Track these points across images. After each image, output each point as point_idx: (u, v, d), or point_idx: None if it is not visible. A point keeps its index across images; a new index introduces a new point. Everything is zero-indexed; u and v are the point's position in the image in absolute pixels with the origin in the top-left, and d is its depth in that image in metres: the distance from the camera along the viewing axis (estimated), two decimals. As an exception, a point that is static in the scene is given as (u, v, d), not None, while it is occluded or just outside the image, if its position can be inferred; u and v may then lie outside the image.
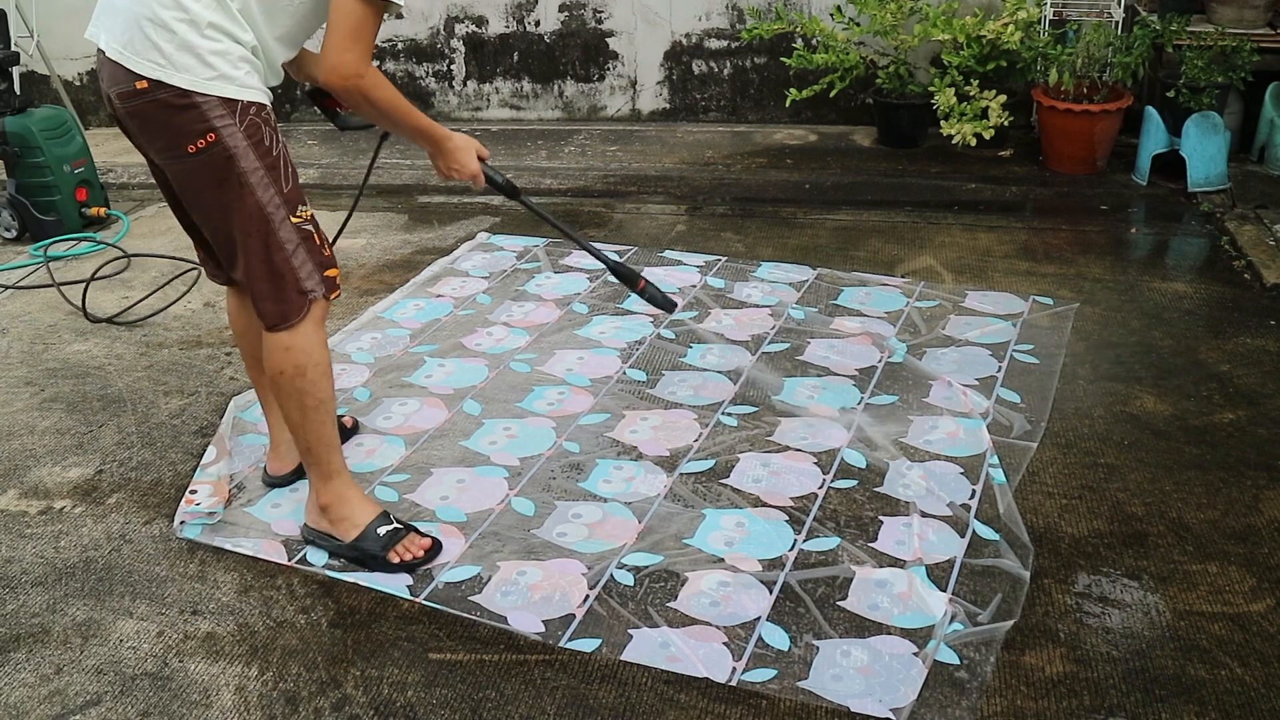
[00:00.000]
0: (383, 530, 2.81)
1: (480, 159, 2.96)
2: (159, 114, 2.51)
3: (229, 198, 2.56)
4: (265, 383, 2.99)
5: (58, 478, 3.24)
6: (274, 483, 3.15)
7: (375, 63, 6.32)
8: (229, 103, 2.50)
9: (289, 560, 2.81)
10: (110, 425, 3.50)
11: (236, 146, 2.52)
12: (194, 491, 3.08)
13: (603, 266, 3.20)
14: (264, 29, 2.58)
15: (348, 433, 3.34)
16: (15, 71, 5.46)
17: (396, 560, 2.77)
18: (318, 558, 2.81)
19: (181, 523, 2.96)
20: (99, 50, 2.56)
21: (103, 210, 5.30)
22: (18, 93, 5.24)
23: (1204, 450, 3.17)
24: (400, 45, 6.77)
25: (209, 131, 2.49)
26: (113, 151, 6.58)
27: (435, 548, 2.83)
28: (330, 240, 2.75)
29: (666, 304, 3.20)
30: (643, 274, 3.21)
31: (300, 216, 2.63)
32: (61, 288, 4.48)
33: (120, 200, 5.68)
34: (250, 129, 2.54)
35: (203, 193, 2.60)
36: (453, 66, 6.81)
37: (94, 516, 3.04)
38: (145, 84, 2.47)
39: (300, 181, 2.67)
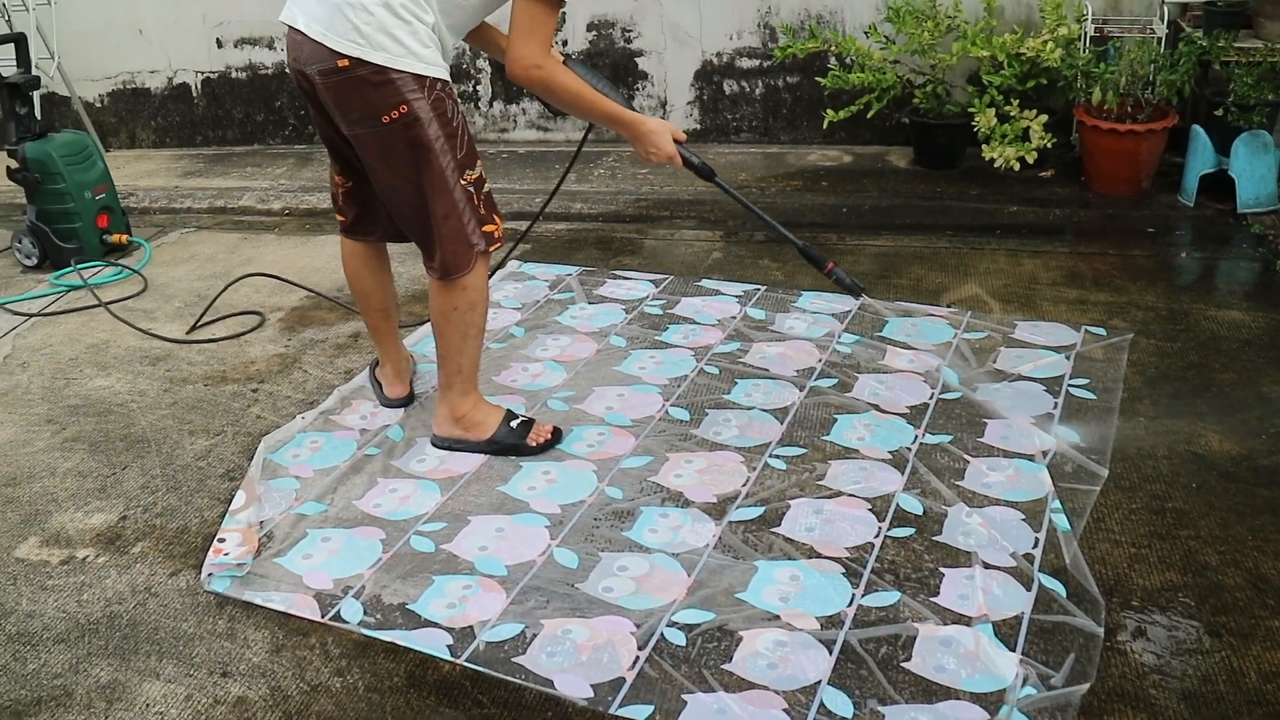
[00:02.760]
0: (514, 424, 3.33)
1: (676, 141, 3.26)
2: (358, 88, 2.87)
3: (417, 162, 2.95)
4: (388, 326, 3.59)
5: (80, 524, 3.12)
6: (393, 404, 3.62)
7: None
8: (419, 78, 2.88)
9: (322, 616, 2.68)
10: (134, 467, 3.39)
11: (424, 116, 2.90)
12: (222, 540, 2.96)
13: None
14: (439, 15, 2.93)
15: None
16: (35, 95, 5.37)
17: (533, 444, 3.31)
18: (352, 614, 2.68)
19: (209, 575, 2.84)
20: (292, 30, 2.92)
21: (124, 237, 5.20)
22: (38, 117, 5.15)
23: (1277, 493, 3.02)
24: (425, 65, 6.66)
25: (402, 104, 2.88)
26: (134, 175, 6.51)
27: (557, 434, 3.36)
28: (489, 197, 3.14)
29: (854, 289, 3.44)
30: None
31: (468, 178, 3.03)
32: (109, 308, 4.39)
33: (142, 226, 5.59)
34: (436, 102, 2.92)
35: (391, 158, 2.97)
36: (479, 87, 6.70)
37: (118, 567, 2.92)
38: (346, 61, 2.84)
39: (466, 147, 3.04)
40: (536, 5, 2.84)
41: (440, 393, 3.34)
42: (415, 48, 2.87)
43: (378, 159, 3.00)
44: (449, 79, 2.99)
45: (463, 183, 3.02)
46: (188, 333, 4.30)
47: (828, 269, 3.39)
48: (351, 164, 3.21)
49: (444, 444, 3.36)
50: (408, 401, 3.64)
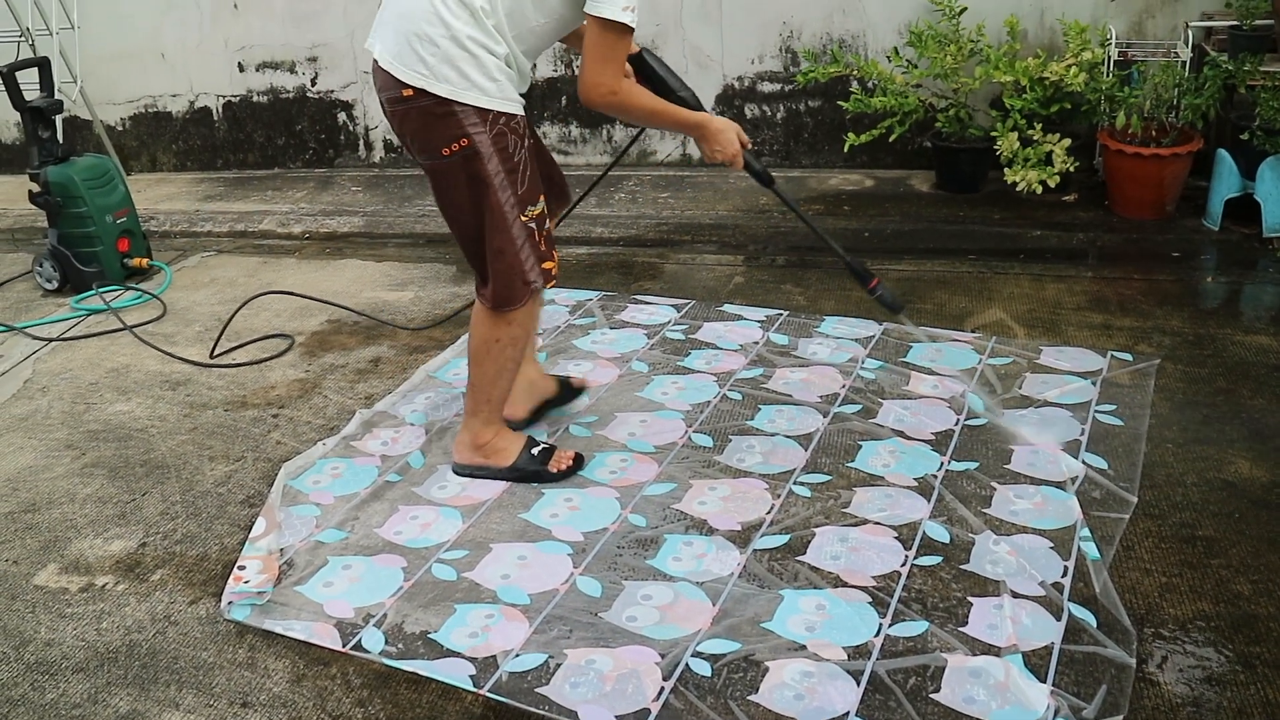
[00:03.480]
0: (535, 451, 3.31)
1: (741, 144, 3.21)
2: (421, 119, 2.91)
3: (476, 196, 2.96)
4: (532, 353, 3.58)
5: (99, 551, 3.10)
6: (518, 426, 3.51)
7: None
8: (482, 112, 2.88)
9: (343, 646, 2.65)
10: (154, 493, 3.37)
11: (484, 151, 2.91)
12: (242, 568, 2.93)
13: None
14: (513, 43, 2.92)
15: (576, 392, 3.74)
16: (58, 120, 5.39)
17: (555, 470, 3.28)
18: (374, 643, 2.65)
19: (229, 603, 2.81)
20: (374, 59, 2.95)
21: (145, 261, 5.20)
22: (60, 141, 5.15)
23: (1308, 521, 2.98)
24: (445, 89, 6.66)
25: (463, 136, 2.89)
26: (154, 199, 6.52)
27: (578, 460, 3.33)
28: (549, 234, 3.12)
29: (895, 307, 3.38)
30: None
31: (529, 215, 3.00)
32: (133, 331, 4.38)
33: (162, 249, 5.59)
34: (497, 136, 2.91)
35: (452, 191, 3.01)
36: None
37: (137, 595, 2.90)
38: (410, 91, 2.87)
39: (528, 184, 3.01)
40: (610, 31, 2.82)
41: (464, 419, 3.32)
42: (480, 80, 2.86)
43: (443, 192, 3.06)
44: (517, 112, 2.97)
45: (523, 219, 2.99)
46: (211, 355, 4.30)
47: (872, 284, 3.35)
48: None
49: (465, 471, 3.34)
50: (521, 425, 3.55)
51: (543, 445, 3.34)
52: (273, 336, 4.45)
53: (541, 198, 3.06)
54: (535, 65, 3.06)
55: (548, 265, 3.09)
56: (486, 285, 3.10)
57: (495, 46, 2.87)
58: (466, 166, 2.92)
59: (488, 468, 3.31)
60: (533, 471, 3.28)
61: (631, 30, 2.84)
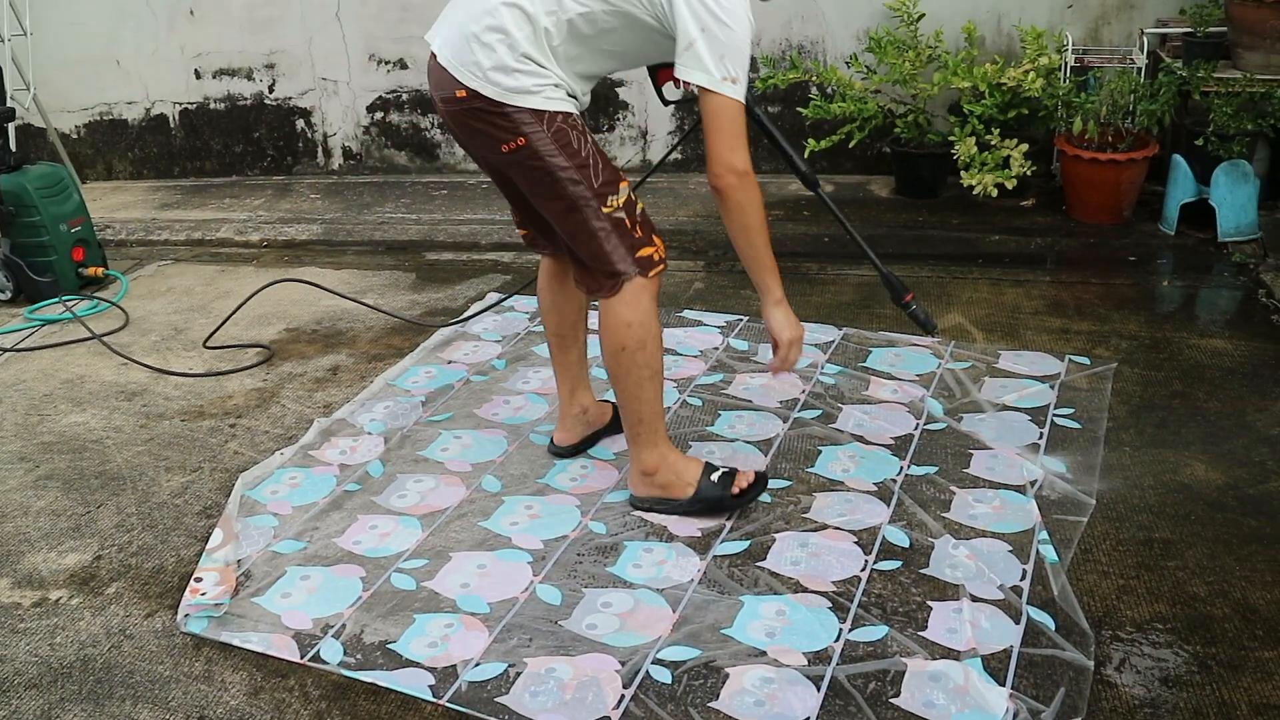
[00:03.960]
0: (715, 477, 3.09)
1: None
2: (475, 119, 2.84)
3: (544, 190, 2.87)
4: (563, 358, 3.37)
5: (53, 564, 3.06)
6: (560, 453, 3.43)
7: (379, 113, 6.25)
8: (536, 113, 2.78)
9: (301, 657, 2.63)
10: (109, 505, 3.33)
11: (546, 149, 2.79)
12: (199, 580, 2.90)
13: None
14: (565, 70, 2.82)
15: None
16: (10, 127, 5.33)
17: (738, 493, 3.06)
18: (332, 654, 2.63)
19: (185, 616, 2.78)
20: (431, 53, 2.90)
21: (100, 270, 5.14)
22: (13, 149, 5.10)
23: (1263, 522, 3.01)
24: (405, 96, 6.64)
25: (519, 136, 2.79)
26: (110, 207, 6.45)
27: (761, 479, 3.13)
28: (644, 219, 2.95)
29: (928, 325, 3.26)
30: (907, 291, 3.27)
31: (610, 206, 2.85)
32: (102, 340, 4.33)
33: (118, 258, 5.53)
34: (558, 134, 2.79)
35: (523, 182, 2.92)
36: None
37: (92, 609, 2.87)
38: (464, 93, 2.80)
39: (603, 175, 2.86)
40: (733, 101, 2.71)
41: (630, 449, 3.12)
42: (532, 86, 2.77)
43: (519, 181, 2.95)
44: (573, 110, 2.85)
45: (605, 210, 2.84)
46: (205, 342, 4.43)
47: (907, 298, 3.23)
48: (511, 190, 3.11)
49: (643, 505, 3.13)
50: (570, 452, 3.43)
51: (722, 470, 3.11)
52: (252, 346, 4.42)
53: (624, 184, 2.89)
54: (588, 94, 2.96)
55: (646, 252, 2.90)
56: (580, 278, 3.01)
57: (549, 67, 2.78)
58: (530, 163, 2.82)
59: (668, 501, 3.10)
60: (716, 499, 3.07)
61: (740, 103, 2.71)
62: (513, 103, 2.76)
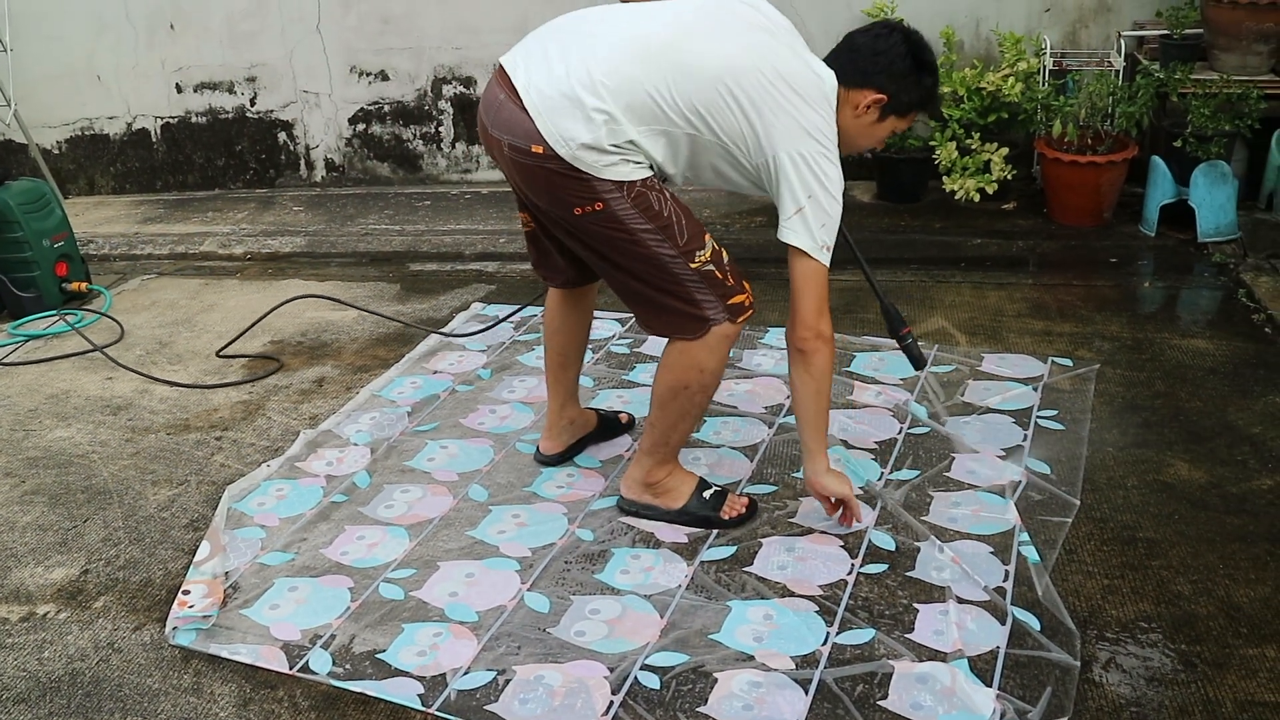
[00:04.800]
0: (707, 494, 3.13)
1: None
2: (548, 177, 2.72)
3: (621, 250, 2.78)
4: (561, 375, 3.37)
5: (40, 579, 3.06)
6: (546, 461, 3.45)
7: (361, 125, 6.23)
8: (617, 183, 2.69)
9: (290, 669, 2.63)
10: (96, 519, 3.33)
11: (626, 213, 2.72)
12: (186, 592, 2.90)
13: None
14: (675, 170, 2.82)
15: (623, 428, 3.63)
16: (-8, 144, 5.33)
17: (727, 517, 3.09)
18: (321, 665, 2.63)
19: (174, 628, 2.78)
20: (508, 84, 2.74)
21: (84, 285, 5.14)
22: (-5, 166, 5.10)
23: (1246, 520, 3.03)
24: (387, 108, 6.65)
25: (596, 201, 2.70)
26: (92, 222, 6.45)
27: (753, 507, 3.14)
28: (733, 267, 2.87)
29: (920, 362, 3.28)
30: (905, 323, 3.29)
31: (698, 261, 2.78)
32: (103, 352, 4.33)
33: (101, 273, 5.53)
34: (638, 199, 2.72)
35: (593, 242, 2.81)
36: (441, 129, 6.68)
37: (80, 623, 2.86)
38: (541, 149, 2.67)
39: (688, 233, 2.80)
40: (825, 268, 2.78)
41: (638, 455, 3.15)
42: (619, 163, 2.70)
43: (588, 239, 2.84)
44: (650, 174, 2.77)
45: (693, 266, 2.78)
46: (218, 353, 4.46)
47: (904, 331, 3.25)
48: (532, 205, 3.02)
49: (631, 509, 3.17)
50: (556, 460, 3.45)
51: (715, 489, 3.15)
52: (262, 357, 4.43)
53: (707, 236, 2.82)
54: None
55: (737, 299, 2.85)
56: (655, 327, 2.95)
57: (643, 158, 2.74)
58: (606, 225, 2.74)
59: (655, 508, 3.13)
60: (703, 516, 3.11)
61: (828, 270, 2.78)
62: (593, 174, 2.69)
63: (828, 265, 2.77)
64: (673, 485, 3.13)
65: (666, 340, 2.93)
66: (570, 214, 2.76)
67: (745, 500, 3.15)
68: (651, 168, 2.78)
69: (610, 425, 3.60)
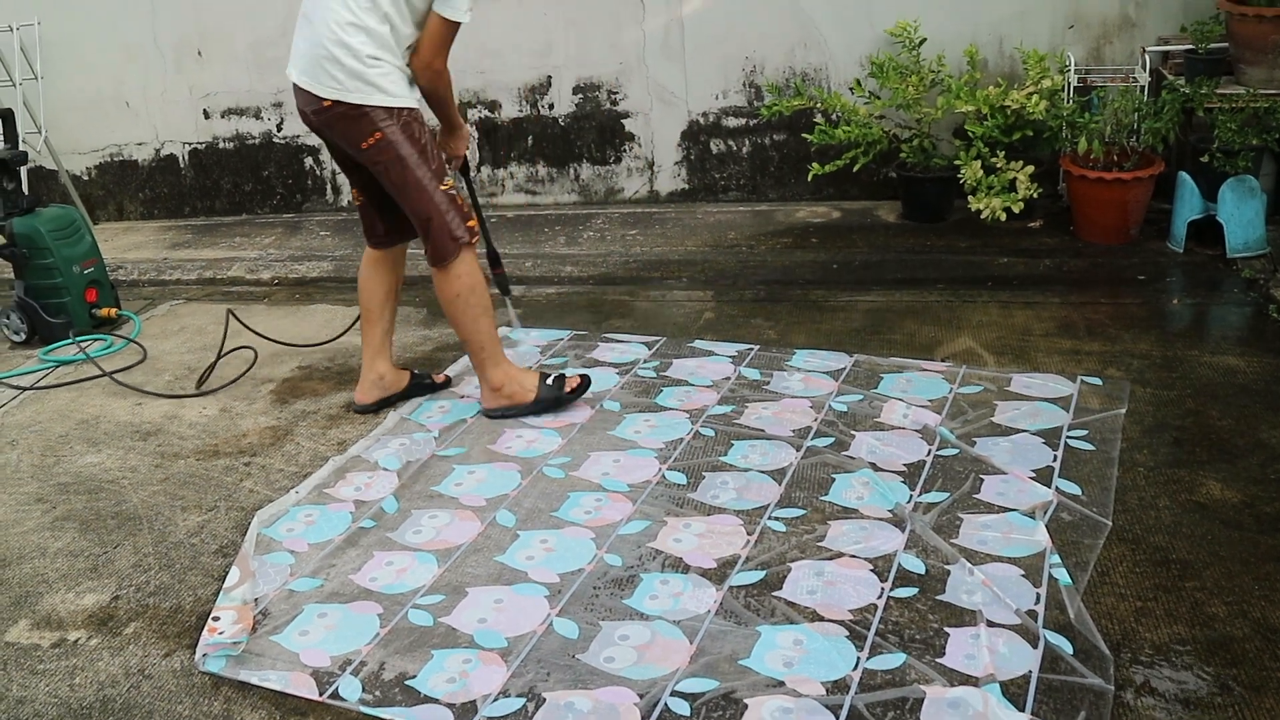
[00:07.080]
0: (550, 381, 3.93)
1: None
2: (340, 122, 3.59)
3: (396, 174, 3.60)
4: (369, 330, 4.05)
5: (71, 605, 3.07)
6: (360, 411, 4.10)
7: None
8: (389, 110, 3.54)
9: (320, 695, 2.63)
10: (126, 545, 3.34)
11: (396, 139, 3.56)
12: (216, 619, 2.91)
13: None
14: (400, 56, 3.58)
15: (439, 386, 4.24)
16: (23, 170, 5.37)
17: (570, 390, 3.93)
18: (351, 692, 2.63)
19: (204, 655, 2.78)
20: (293, 82, 3.61)
21: (113, 311, 5.18)
22: (25, 192, 5.14)
23: (1281, 541, 3.00)
24: (411, 131, 6.67)
25: (376, 131, 3.55)
26: (122, 248, 6.50)
27: (585, 379, 3.97)
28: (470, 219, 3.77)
29: (503, 287, 4.31)
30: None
31: (446, 185, 3.67)
32: (113, 377, 4.35)
33: (130, 299, 5.57)
34: (405, 126, 3.58)
35: (381, 171, 3.63)
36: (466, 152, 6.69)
37: (110, 649, 2.87)
38: (329, 103, 3.54)
39: (438, 160, 3.70)
40: (446, 24, 3.52)
41: (477, 374, 3.91)
42: (385, 85, 3.52)
43: (377, 171, 3.64)
44: (415, 105, 3.62)
45: (442, 189, 3.64)
46: (198, 385, 4.46)
47: (497, 273, 4.28)
48: (360, 176, 3.85)
49: (496, 414, 3.90)
50: (369, 410, 4.07)
51: (554, 374, 3.95)
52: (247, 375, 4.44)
53: (447, 173, 3.72)
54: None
55: (471, 224, 3.73)
56: (427, 249, 3.70)
57: (390, 59, 3.53)
58: (385, 154, 3.57)
59: (515, 407, 3.88)
60: (554, 398, 3.89)
61: (457, 27, 3.53)
62: (370, 102, 3.50)
63: (454, 27, 3.53)
64: (519, 384, 3.88)
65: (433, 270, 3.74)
66: (363, 150, 3.59)
67: (577, 377, 3.96)
68: (403, 86, 3.58)
69: (423, 386, 4.20)
